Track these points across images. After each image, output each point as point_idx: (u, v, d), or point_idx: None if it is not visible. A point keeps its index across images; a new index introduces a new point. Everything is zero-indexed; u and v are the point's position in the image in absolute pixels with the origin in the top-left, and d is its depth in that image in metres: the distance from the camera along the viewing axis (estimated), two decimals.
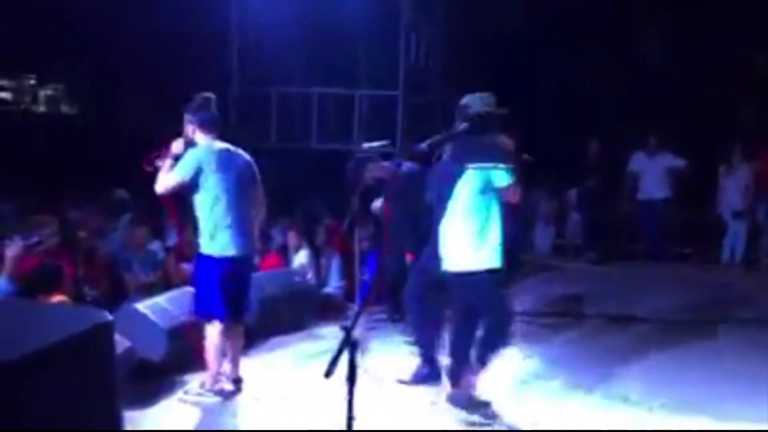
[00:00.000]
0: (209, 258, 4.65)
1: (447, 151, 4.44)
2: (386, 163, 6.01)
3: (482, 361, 4.52)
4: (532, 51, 11.26)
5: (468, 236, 4.36)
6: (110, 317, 2.47)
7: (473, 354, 4.55)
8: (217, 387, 4.70)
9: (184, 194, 4.73)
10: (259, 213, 4.96)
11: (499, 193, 4.41)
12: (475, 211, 4.37)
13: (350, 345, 2.89)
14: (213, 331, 4.65)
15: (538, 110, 11.43)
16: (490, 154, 4.33)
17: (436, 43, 9.21)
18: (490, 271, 4.38)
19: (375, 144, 7.31)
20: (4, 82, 12.97)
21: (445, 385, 4.85)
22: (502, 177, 4.37)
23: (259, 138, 8.82)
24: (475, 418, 4.50)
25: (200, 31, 9.46)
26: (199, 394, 4.70)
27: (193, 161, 4.62)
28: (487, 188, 4.37)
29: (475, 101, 4.54)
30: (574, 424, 4.50)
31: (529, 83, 11.46)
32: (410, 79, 8.59)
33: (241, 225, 4.66)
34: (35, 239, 5.33)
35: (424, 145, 3.51)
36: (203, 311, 4.71)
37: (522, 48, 11.18)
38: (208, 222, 4.63)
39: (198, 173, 4.58)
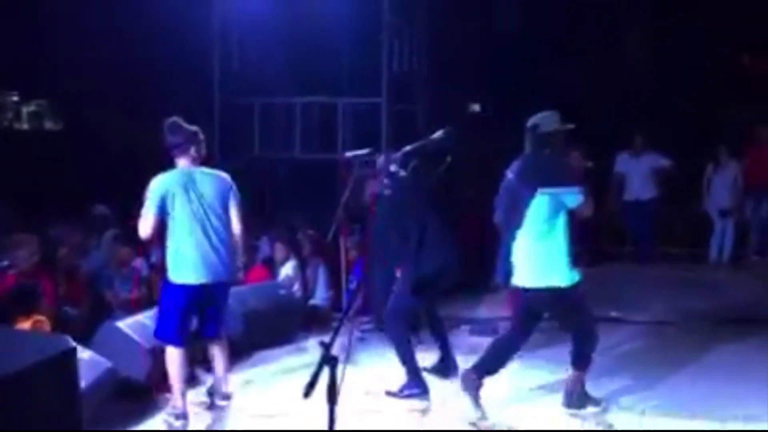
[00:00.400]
0: (170, 283, 4.60)
1: (513, 169, 4.58)
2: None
3: (582, 367, 4.72)
4: (518, 55, 11.23)
5: (541, 255, 4.48)
6: (73, 344, 2.41)
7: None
8: (178, 411, 4.59)
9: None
10: (236, 237, 4.77)
11: (570, 212, 4.51)
12: (546, 231, 4.46)
13: (329, 362, 2.82)
14: (171, 356, 4.59)
15: (524, 115, 11.39)
16: (559, 176, 4.46)
17: (419, 49, 9.16)
18: (572, 287, 4.52)
19: (359, 153, 7.28)
20: None
21: (433, 399, 4.83)
22: (572, 199, 4.48)
23: (242, 148, 8.77)
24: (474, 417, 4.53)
25: (182, 44, 9.41)
26: (165, 419, 4.61)
27: (158, 189, 4.55)
28: (558, 209, 4.46)
29: (544, 120, 4.62)
30: (562, 425, 4.46)
31: (514, 88, 11.44)
32: (394, 87, 8.54)
33: (205, 251, 4.54)
34: (5, 263, 5.27)
35: (399, 155, 3.45)
36: (160, 335, 4.67)
37: (507, 52, 11.16)
38: (171, 247, 4.60)
39: (164, 200, 4.52)
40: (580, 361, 4.68)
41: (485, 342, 6.18)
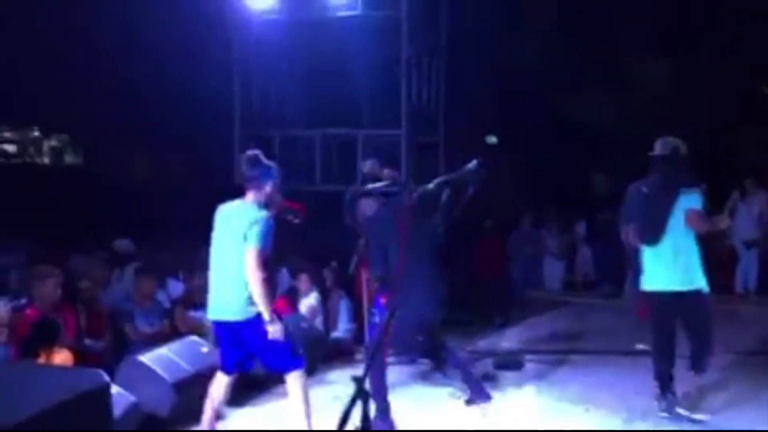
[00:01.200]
0: None
1: (647, 184, 5.14)
2: (372, 201, 5.77)
3: (702, 369, 5.09)
4: (537, 84, 11.27)
5: (686, 260, 4.98)
6: (107, 379, 2.37)
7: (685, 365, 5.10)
8: None
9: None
10: (249, 275, 4.31)
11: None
12: (686, 238, 4.99)
13: (362, 396, 2.77)
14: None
15: (543, 145, 11.40)
16: (685, 187, 4.98)
17: (438, 81, 9.19)
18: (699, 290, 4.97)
19: (379, 185, 7.25)
20: (8, 135, 13.08)
21: None
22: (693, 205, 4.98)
23: None
24: None
25: (202, 77, 9.51)
26: None
27: None
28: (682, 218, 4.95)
29: (665, 144, 5.18)
30: None
31: (534, 117, 11.47)
32: (413, 118, 8.54)
33: (218, 288, 4.44)
34: (24, 301, 5.25)
35: (434, 185, 3.44)
36: None
37: (526, 82, 11.20)
38: None
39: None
40: (702, 362, 5.07)
41: (510, 375, 6.18)
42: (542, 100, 11.86)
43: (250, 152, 4.57)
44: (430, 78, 9.01)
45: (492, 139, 12.76)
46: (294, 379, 4.51)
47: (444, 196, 3.24)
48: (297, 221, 4.71)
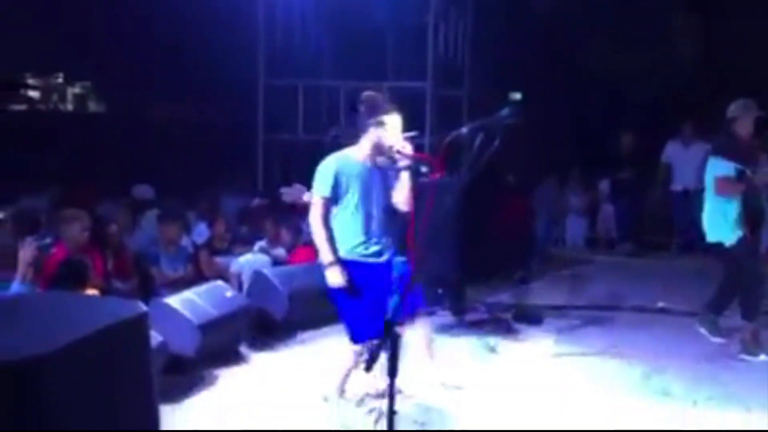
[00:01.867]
0: None
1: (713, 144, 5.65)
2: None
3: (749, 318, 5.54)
4: (566, 40, 11.06)
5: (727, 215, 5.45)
6: (145, 308, 2.41)
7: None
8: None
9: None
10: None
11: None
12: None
13: (391, 338, 2.80)
14: None
15: (570, 101, 11.24)
16: (742, 151, 5.41)
17: (465, 34, 9.05)
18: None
19: (405, 135, 7.19)
20: (33, 81, 13.11)
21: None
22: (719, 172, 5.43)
23: (286, 130, 8.76)
24: None
25: (227, 25, 9.43)
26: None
27: None
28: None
29: (737, 107, 5.53)
30: (613, 419, 4.37)
31: (561, 74, 11.28)
32: (439, 71, 8.44)
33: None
34: (48, 240, 5.30)
35: (464, 131, 3.38)
36: None
37: (555, 38, 11.00)
38: None
39: None
40: (747, 312, 5.52)
41: (529, 329, 6.22)
42: (569, 56, 11.65)
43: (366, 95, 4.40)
44: (456, 30, 8.88)
45: (516, 96, 12.59)
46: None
47: (477, 141, 3.19)
48: (426, 172, 4.26)
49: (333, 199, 4.18)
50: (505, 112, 3.34)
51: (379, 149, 4.24)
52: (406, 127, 8.38)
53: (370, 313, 4.10)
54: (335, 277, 4.20)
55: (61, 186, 7.98)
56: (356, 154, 4.28)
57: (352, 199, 4.20)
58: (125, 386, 2.25)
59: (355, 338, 4.26)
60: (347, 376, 4.37)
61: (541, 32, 11.41)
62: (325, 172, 4.21)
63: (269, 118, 8.78)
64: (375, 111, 4.28)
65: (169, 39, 10.96)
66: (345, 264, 4.21)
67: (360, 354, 4.20)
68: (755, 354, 5.46)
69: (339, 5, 8.57)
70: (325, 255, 4.20)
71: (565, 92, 11.44)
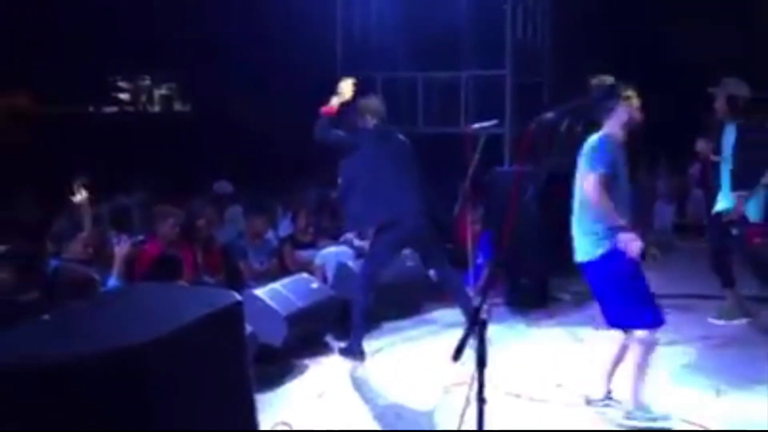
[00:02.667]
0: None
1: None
2: None
3: None
4: (648, 24, 10.71)
5: None
6: (240, 298, 2.48)
7: None
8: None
9: None
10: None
11: None
12: None
13: (479, 327, 2.79)
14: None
15: (656, 85, 10.86)
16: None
17: (545, 18, 8.86)
18: None
19: (485, 124, 7.11)
20: (122, 84, 13.65)
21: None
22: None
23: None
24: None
25: (304, 20, 9.55)
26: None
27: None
28: None
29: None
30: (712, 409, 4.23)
31: (645, 58, 10.93)
32: (518, 58, 8.29)
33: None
34: (140, 237, 5.52)
35: (555, 114, 3.28)
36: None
37: (637, 21, 10.66)
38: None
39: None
40: None
41: None
42: (653, 38, 11.27)
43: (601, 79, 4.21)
44: (536, 15, 8.71)
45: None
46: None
47: (563, 126, 3.09)
48: None
49: (612, 175, 4.02)
50: (597, 94, 3.24)
51: (628, 125, 4.14)
52: (485, 117, 8.33)
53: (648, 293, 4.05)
54: (634, 242, 3.94)
55: (151, 184, 8.28)
56: (611, 133, 4.12)
57: (617, 177, 4.06)
58: (224, 373, 2.33)
59: (655, 321, 4.08)
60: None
61: (623, 15, 11.07)
62: (603, 147, 4.06)
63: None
64: (611, 91, 4.08)
65: (247, 38, 11.19)
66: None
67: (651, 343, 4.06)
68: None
69: None
70: (617, 222, 3.97)
71: (651, 76, 11.07)
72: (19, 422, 2.03)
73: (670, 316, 5.97)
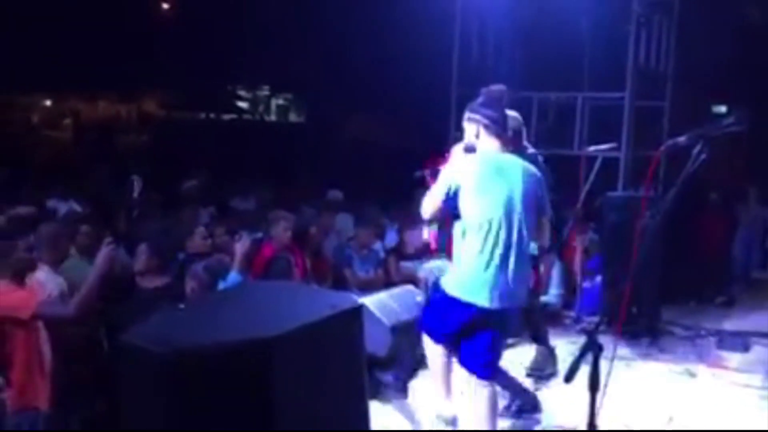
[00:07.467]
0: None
1: None
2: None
3: None
4: None
5: None
6: (360, 302, 2.54)
7: None
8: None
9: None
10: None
11: None
12: None
13: (594, 351, 2.73)
14: None
15: None
16: None
17: (668, 43, 8.58)
18: None
19: (602, 147, 6.96)
20: (243, 93, 14.27)
21: None
22: None
23: None
24: None
25: (422, 39, 9.67)
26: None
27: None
28: None
29: None
30: None
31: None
32: (639, 81, 8.07)
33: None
34: (259, 235, 5.72)
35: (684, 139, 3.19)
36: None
37: (765, 47, 10.17)
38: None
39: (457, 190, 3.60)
40: None
41: (732, 356, 5.78)
42: None
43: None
44: (660, 39, 8.45)
45: (721, 108, 11.78)
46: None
47: (695, 150, 2.98)
48: None
49: None
50: (728, 120, 3.12)
51: None
52: (600, 140, 8.13)
53: None
54: None
55: (267, 188, 8.58)
56: None
57: None
58: (342, 374, 2.39)
59: None
60: None
61: (749, 39, 10.58)
62: None
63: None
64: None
65: (365, 53, 11.45)
66: None
67: None
68: None
69: (536, 16, 8.48)
70: None
71: None
72: (152, 403, 2.17)
73: None
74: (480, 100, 3.83)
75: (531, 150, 4.59)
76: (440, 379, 4.06)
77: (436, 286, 3.77)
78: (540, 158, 4.68)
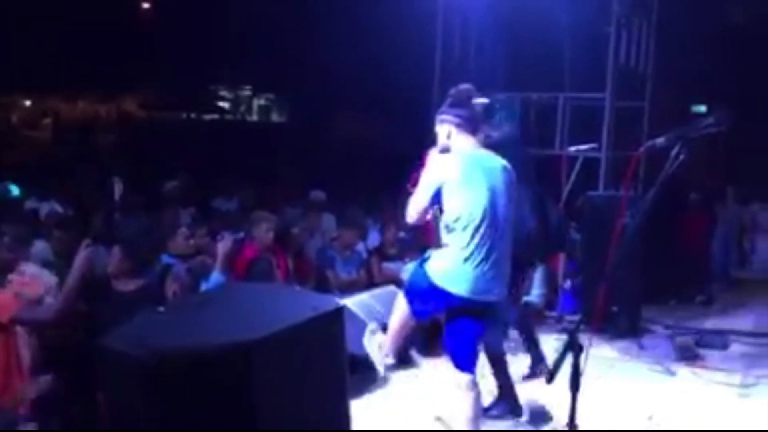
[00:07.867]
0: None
1: None
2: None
3: None
4: (756, 49, 10.31)
5: None
6: (342, 304, 2.54)
7: None
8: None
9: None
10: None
11: None
12: None
13: (574, 350, 2.74)
14: None
15: (759, 112, 10.47)
16: None
17: (648, 43, 8.64)
18: None
19: (582, 147, 6.99)
20: (224, 93, 14.22)
21: None
22: None
23: None
24: None
25: (404, 41, 9.68)
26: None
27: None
28: None
29: None
30: None
31: (751, 87, 10.55)
32: (619, 82, 8.13)
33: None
34: (241, 234, 5.69)
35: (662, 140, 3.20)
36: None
37: (745, 48, 10.30)
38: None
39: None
40: None
41: (711, 354, 5.85)
42: (758, 64, 10.84)
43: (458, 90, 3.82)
44: (640, 39, 8.51)
45: (701, 108, 11.93)
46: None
47: (674, 151, 3.00)
48: None
49: None
50: (707, 121, 3.14)
51: None
52: (580, 140, 8.17)
53: None
54: None
55: (248, 189, 8.54)
56: None
57: None
58: (324, 376, 2.39)
59: None
60: None
61: (728, 40, 10.72)
62: None
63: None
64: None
65: (345, 53, 11.44)
66: None
67: None
68: None
69: (516, 18, 8.51)
70: None
71: (754, 103, 10.67)
72: (131, 406, 2.15)
73: None
74: (448, 101, 3.84)
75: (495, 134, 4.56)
76: (395, 329, 4.11)
77: (423, 262, 3.79)
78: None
